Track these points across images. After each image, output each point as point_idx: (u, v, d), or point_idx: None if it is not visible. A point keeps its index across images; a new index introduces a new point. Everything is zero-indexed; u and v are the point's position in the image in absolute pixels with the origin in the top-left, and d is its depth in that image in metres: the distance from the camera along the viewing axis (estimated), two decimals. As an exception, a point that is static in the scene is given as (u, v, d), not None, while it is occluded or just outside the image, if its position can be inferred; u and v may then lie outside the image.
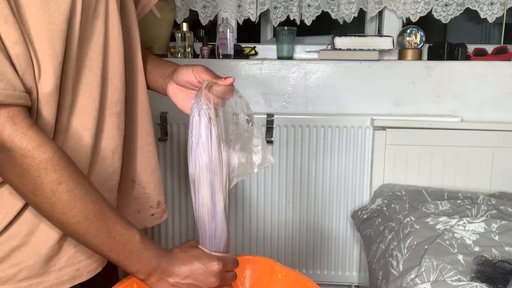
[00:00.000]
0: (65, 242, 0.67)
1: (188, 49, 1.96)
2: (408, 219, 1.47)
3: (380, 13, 2.06)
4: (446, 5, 1.98)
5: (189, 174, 0.69)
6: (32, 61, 0.56)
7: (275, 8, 2.06)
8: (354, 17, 2.01)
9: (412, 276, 1.19)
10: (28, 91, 0.56)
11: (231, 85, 0.71)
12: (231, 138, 0.72)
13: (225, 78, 0.71)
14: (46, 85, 0.58)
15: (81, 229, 0.59)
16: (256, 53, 2.07)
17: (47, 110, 0.59)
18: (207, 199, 0.68)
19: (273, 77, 1.93)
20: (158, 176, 0.85)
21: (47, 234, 0.65)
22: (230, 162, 0.71)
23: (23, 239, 0.63)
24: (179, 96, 0.78)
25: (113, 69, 0.69)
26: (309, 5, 2.04)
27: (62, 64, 0.59)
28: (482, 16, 1.97)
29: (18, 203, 0.62)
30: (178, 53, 1.96)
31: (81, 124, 0.65)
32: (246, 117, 0.73)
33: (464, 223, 1.37)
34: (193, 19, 2.10)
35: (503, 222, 1.36)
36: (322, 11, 2.05)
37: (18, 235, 0.63)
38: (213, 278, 0.67)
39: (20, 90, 0.54)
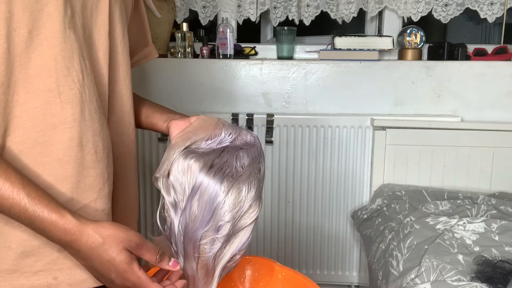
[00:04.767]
0: (47, 244, 0.62)
1: (188, 49, 1.95)
2: (408, 219, 1.47)
3: (380, 13, 2.06)
4: (446, 5, 1.98)
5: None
6: None
7: (275, 8, 2.06)
8: (354, 17, 2.01)
9: (412, 276, 1.19)
10: None
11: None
12: None
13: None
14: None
15: None
16: (256, 53, 2.07)
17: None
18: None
19: (273, 77, 1.93)
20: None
21: (20, 227, 0.60)
22: None
23: None
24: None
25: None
26: (308, 5, 2.04)
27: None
28: (482, 16, 1.96)
29: None
30: (178, 53, 1.96)
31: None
32: None
33: (464, 223, 1.37)
34: (193, 19, 2.09)
35: (503, 222, 1.36)
36: (321, 11, 2.05)
37: None
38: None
39: None
